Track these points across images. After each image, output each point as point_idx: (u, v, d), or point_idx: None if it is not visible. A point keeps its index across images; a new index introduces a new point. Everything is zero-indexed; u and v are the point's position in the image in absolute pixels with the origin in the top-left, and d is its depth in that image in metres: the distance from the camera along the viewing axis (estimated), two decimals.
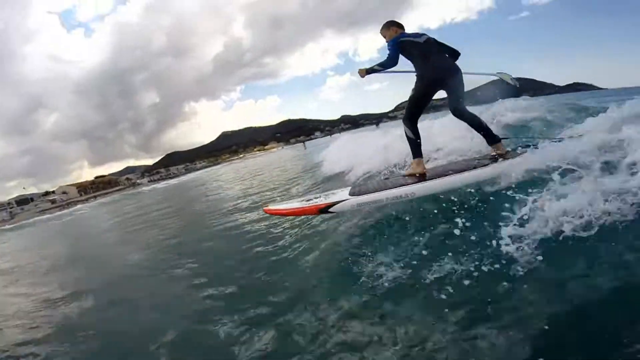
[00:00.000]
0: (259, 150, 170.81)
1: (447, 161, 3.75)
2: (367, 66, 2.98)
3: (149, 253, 5.22)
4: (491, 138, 2.94)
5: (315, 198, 2.96)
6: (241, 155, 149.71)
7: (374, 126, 37.02)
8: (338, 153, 8.15)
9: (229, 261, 3.64)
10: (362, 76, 3.03)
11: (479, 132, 2.94)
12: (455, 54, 3.03)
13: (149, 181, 78.87)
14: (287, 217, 4.27)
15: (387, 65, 2.89)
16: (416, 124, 2.97)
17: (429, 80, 2.86)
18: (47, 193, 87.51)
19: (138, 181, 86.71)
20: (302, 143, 60.65)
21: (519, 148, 3.10)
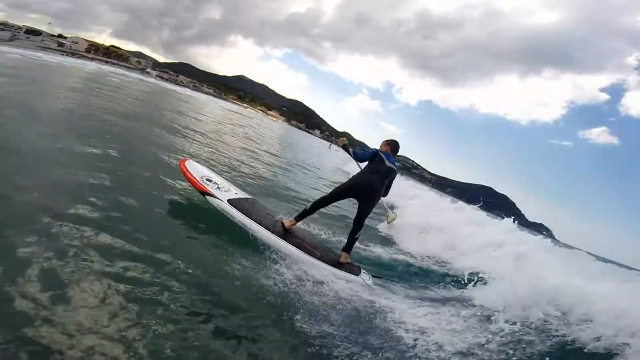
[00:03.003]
0: (261, 111, 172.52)
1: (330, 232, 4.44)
2: (349, 146, 3.63)
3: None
4: (347, 248, 3.46)
5: (214, 184, 3.33)
6: (245, 105, 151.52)
7: None
8: None
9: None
10: (340, 145, 3.74)
11: (350, 238, 3.48)
12: (386, 192, 3.64)
13: (157, 75, 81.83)
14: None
15: (357, 157, 3.56)
16: (322, 207, 3.54)
17: (351, 187, 3.48)
18: (60, 36, 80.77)
19: (148, 70, 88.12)
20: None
21: (364, 273, 3.44)
